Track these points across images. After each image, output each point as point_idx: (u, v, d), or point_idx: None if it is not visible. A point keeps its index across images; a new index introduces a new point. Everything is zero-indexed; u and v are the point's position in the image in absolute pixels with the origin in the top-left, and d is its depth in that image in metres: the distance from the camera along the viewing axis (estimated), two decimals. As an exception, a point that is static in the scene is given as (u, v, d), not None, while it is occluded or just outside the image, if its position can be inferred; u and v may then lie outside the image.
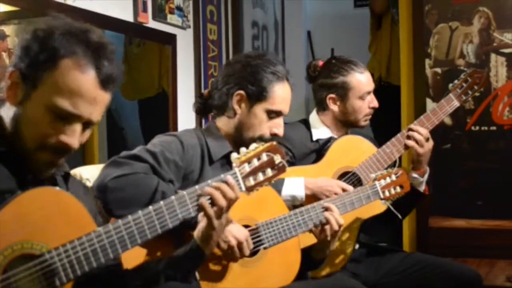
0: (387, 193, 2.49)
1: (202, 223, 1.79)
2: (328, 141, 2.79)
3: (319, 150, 2.78)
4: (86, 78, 1.52)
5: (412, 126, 2.77)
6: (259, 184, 1.83)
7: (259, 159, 1.83)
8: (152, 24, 3.59)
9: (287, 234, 2.22)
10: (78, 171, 2.25)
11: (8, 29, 3.56)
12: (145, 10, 3.47)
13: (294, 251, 2.28)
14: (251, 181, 1.81)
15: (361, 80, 2.77)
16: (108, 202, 1.94)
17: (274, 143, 1.88)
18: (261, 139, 2.23)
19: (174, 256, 1.80)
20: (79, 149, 3.52)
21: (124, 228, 1.56)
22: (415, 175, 2.74)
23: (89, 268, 1.50)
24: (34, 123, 1.51)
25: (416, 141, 2.72)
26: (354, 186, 2.59)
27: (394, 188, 2.50)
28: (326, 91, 2.81)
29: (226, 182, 1.75)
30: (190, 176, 2.17)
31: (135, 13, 3.43)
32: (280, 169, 1.85)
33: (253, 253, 2.16)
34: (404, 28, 3.93)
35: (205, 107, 2.39)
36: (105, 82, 1.55)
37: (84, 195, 1.76)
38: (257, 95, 2.23)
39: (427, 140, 2.73)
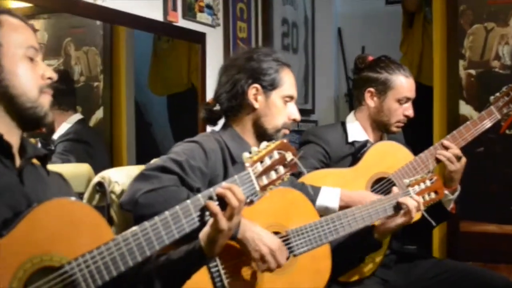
0: (421, 200, 2.43)
1: (208, 225, 1.72)
2: (365, 145, 2.77)
3: (355, 154, 2.76)
4: None
5: (444, 142, 2.72)
6: (272, 182, 1.80)
7: (271, 157, 1.80)
8: (182, 23, 3.57)
9: (317, 241, 2.19)
10: (107, 174, 2.24)
11: (37, 23, 3.58)
12: (175, 9, 3.45)
13: (324, 258, 2.25)
14: (265, 180, 1.79)
15: (404, 83, 2.76)
16: (139, 217, 1.90)
17: (285, 140, 1.86)
18: (285, 127, 2.27)
19: (174, 255, 1.75)
20: (107, 145, 3.58)
21: (142, 234, 1.55)
22: (445, 191, 2.67)
23: (110, 277, 1.49)
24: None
25: (448, 158, 2.67)
26: (389, 193, 2.56)
27: (429, 194, 2.45)
28: (367, 84, 2.81)
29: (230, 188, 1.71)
30: (215, 181, 2.13)
31: (165, 12, 3.41)
32: (292, 167, 1.83)
33: (283, 260, 2.13)
34: (438, 28, 3.87)
35: (212, 116, 2.36)
36: None
37: (63, 181, 1.77)
38: (271, 83, 2.26)
39: (459, 159, 2.68)
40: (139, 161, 3.56)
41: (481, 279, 2.66)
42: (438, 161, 2.71)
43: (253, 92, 2.25)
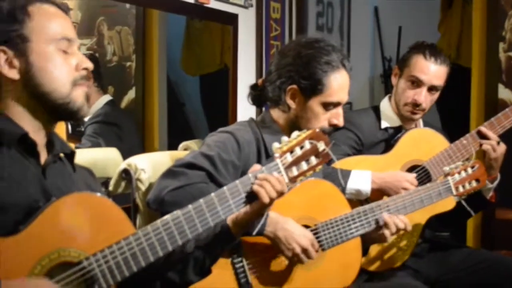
0: (461, 189, 2.35)
1: (244, 208, 1.68)
2: (399, 131, 2.70)
3: (389, 140, 2.71)
4: None
5: (482, 129, 2.62)
6: (303, 173, 1.72)
7: (302, 147, 1.72)
8: (213, 4, 3.51)
9: (348, 235, 2.13)
10: (133, 161, 2.22)
11: (71, 3, 3.57)
12: (206, -10, 3.40)
13: (354, 250, 2.20)
14: (294, 172, 1.71)
15: (420, 62, 2.65)
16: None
17: (317, 129, 1.77)
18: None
19: (201, 239, 1.71)
20: (138, 125, 3.56)
21: (164, 229, 1.52)
22: None
23: (129, 272, 1.47)
24: None
25: (491, 146, 2.58)
26: (423, 181, 2.52)
27: (470, 183, 2.35)
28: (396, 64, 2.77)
29: (267, 179, 1.66)
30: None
31: (197, -6, 3.36)
32: (325, 157, 1.75)
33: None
34: (478, 8, 3.76)
35: (259, 98, 2.28)
36: None
37: (91, 177, 1.74)
38: (312, 88, 2.11)
39: (498, 143, 2.59)
40: (170, 142, 3.56)
41: (516, 270, 2.58)
42: (480, 145, 2.61)
43: (291, 93, 2.13)
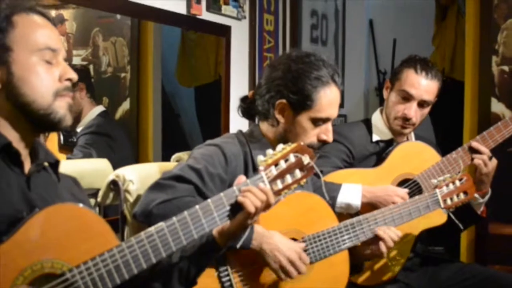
0: (448, 202, 2.34)
1: (227, 221, 1.67)
2: (390, 144, 2.69)
3: (380, 153, 2.70)
4: None
5: (473, 143, 2.61)
6: (288, 186, 1.72)
7: (286, 160, 1.73)
8: (206, 16, 3.50)
9: (335, 248, 2.12)
10: (121, 172, 2.21)
11: (66, 13, 3.57)
12: (198, 1, 3.39)
13: (342, 264, 2.18)
14: (279, 185, 1.71)
15: (411, 77, 2.64)
16: None
17: (302, 143, 1.77)
18: (310, 147, 2.11)
19: (187, 250, 1.70)
20: (132, 137, 3.55)
21: (148, 241, 1.51)
22: (475, 195, 2.56)
23: (113, 285, 1.45)
24: None
25: (482, 161, 2.57)
26: (414, 195, 2.50)
27: (458, 196, 2.34)
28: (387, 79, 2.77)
29: (250, 190, 1.66)
30: None
31: (188, 5, 3.35)
32: (309, 170, 1.75)
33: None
34: (471, 21, 3.76)
35: (249, 111, 2.26)
36: None
37: (76, 186, 1.72)
38: (301, 104, 2.09)
39: (490, 158, 2.58)
40: (165, 153, 3.55)
41: (509, 286, 2.56)
42: (471, 159, 2.61)
43: (280, 107, 2.11)
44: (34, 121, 1.52)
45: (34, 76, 1.50)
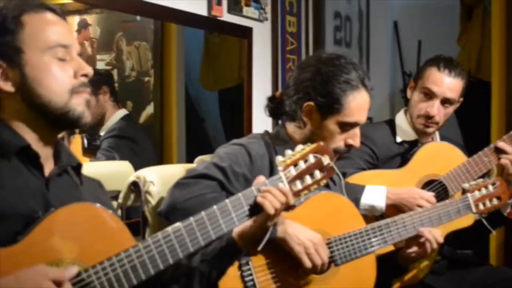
0: (481, 207, 2.28)
1: (250, 221, 1.66)
2: (415, 144, 2.65)
3: (404, 154, 2.66)
4: None
5: (499, 143, 2.57)
6: (307, 187, 1.70)
7: (306, 161, 1.70)
8: (227, 17, 3.48)
9: (362, 251, 2.07)
10: (142, 174, 2.20)
11: (90, 18, 3.59)
12: (219, 3, 3.38)
13: (369, 267, 2.13)
14: (298, 185, 1.69)
15: (434, 74, 2.62)
16: None
17: (322, 143, 1.74)
18: (336, 151, 2.08)
19: (208, 253, 1.68)
20: (156, 141, 3.56)
21: (164, 241, 1.48)
22: None
23: (129, 285, 1.43)
24: None
25: (510, 161, 2.52)
26: (440, 196, 2.47)
27: (490, 201, 2.29)
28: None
29: (269, 191, 1.64)
30: None
31: (209, 7, 3.33)
32: (329, 171, 1.72)
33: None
34: (497, 20, 3.72)
35: (276, 111, 2.22)
36: None
37: (99, 188, 1.71)
38: (329, 107, 2.05)
39: None
40: (189, 158, 3.54)
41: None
42: (495, 162, 2.56)
43: (307, 110, 2.07)
44: (52, 121, 1.51)
45: (48, 76, 1.47)
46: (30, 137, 1.50)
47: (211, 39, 4.01)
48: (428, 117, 2.61)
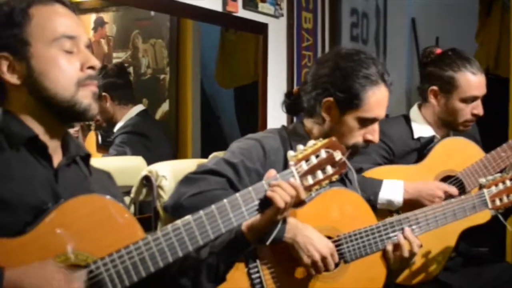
0: (497, 202, 2.23)
1: (256, 215, 1.63)
2: (431, 140, 2.64)
3: (421, 149, 2.63)
4: None
5: None
6: (318, 182, 1.68)
7: (317, 156, 1.68)
8: (242, 13, 3.48)
9: (372, 248, 2.04)
10: (154, 168, 2.19)
11: (106, 16, 3.61)
12: (235, -1, 3.38)
13: (379, 264, 2.10)
14: (310, 180, 1.67)
15: (471, 81, 2.57)
16: None
17: (334, 138, 1.72)
18: (354, 147, 2.06)
19: (216, 246, 1.66)
20: (172, 138, 3.57)
21: (174, 234, 1.47)
22: None
23: (138, 277, 1.42)
24: None
25: None
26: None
27: (508, 196, 2.23)
28: (430, 82, 2.66)
29: (280, 185, 1.62)
30: None
31: (224, 2, 3.33)
32: (341, 166, 1.70)
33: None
34: (516, 16, 3.65)
35: (294, 107, 2.20)
36: None
37: (109, 180, 1.70)
38: (348, 103, 2.02)
39: None
40: (204, 155, 3.54)
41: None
42: None
43: (326, 105, 2.05)
44: (59, 113, 1.50)
45: (54, 69, 1.46)
46: (38, 129, 1.49)
47: (227, 36, 4.01)
48: (476, 117, 2.61)
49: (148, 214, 2.25)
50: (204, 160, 2.44)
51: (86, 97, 1.49)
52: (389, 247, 2.05)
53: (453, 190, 2.40)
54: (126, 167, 2.69)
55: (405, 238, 2.05)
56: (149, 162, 2.83)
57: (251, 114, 3.95)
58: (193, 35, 3.63)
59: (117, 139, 3.24)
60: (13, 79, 1.46)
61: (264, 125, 3.63)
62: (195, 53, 3.68)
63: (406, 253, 2.04)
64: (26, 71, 1.46)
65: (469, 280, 2.59)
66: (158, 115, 3.71)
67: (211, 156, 2.60)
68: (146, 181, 2.19)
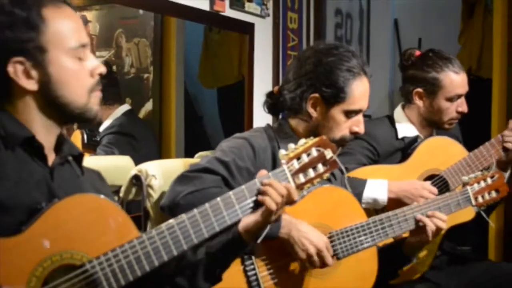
0: (480, 199, 2.28)
1: (253, 216, 1.64)
2: (415, 140, 2.67)
3: (405, 149, 2.66)
4: None
5: (506, 133, 2.59)
6: (310, 181, 1.69)
7: (308, 154, 1.70)
8: (229, 12, 3.48)
9: (363, 244, 2.06)
10: (144, 167, 2.18)
11: (89, 14, 3.58)
12: (222, -2, 3.38)
13: (370, 260, 2.13)
14: (301, 178, 1.68)
15: (454, 80, 2.61)
16: None
17: (324, 137, 1.74)
18: (342, 140, 2.10)
19: (212, 246, 1.67)
20: (155, 139, 3.54)
21: (168, 233, 1.47)
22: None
23: (134, 277, 1.42)
24: None
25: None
26: (441, 191, 2.47)
27: (489, 193, 2.29)
28: (414, 84, 2.68)
29: (271, 185, 1.62)
30: None
31: (212, 1, 3.33)
32: (332, 164, 1.72)
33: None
34: (499, 18, 3.72)
35: (276, 106, 2.22)
36: None
37: (100, 180, 1.70)
38: (334, 97, 2.06)
39: None
40: (187, 155, 3.53)
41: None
42: (505, 149, 2.59)
43: (312, 102, 2.08)
44: (66, 117, 1.52)
45: (71, 77, 1.47)
46: (36, 129, 1.49)
47: (210, 36, 4.00)
48: (461, 114, 2.66)
49: (136, 214, 2.25)
50: (192, 160, 2.44)
51: (95, 104, 1.52)
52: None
53: (434, 190, 2.42)
54: (114, 167, 2.68)
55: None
56: (136, 162, 2.83)
57: (235, 114, 3.95)
58: (177, 34, 3.62)
59: (104, 139, 3.23)
60: (29, 85, 1.45)
61: (250, 125, 3.64)
62: (179, 53, 3.67)
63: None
64: (43, 78, 1.45)
65: (454, 278, 2.62)
66: (142, 114, 3.70)
67: (197, 155, 2.60)
68: (136, 180, 2.18)
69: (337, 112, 2.08)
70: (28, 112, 1.48)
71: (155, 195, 2.14)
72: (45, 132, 1.50)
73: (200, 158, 2.54)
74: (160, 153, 3.58)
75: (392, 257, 2.19)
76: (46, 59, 1.45)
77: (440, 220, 2.12)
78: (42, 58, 1.44)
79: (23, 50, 1.43)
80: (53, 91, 1.46)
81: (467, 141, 2.82)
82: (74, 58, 1.47)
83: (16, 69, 1.43)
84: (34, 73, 1.45)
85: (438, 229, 2.12)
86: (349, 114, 2.09)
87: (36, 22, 1.44)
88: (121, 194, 2.24)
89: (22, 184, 1.41)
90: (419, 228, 2.13)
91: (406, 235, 2.18)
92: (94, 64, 1.51)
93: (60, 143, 1.56)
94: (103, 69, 1.52)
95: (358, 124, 2.11)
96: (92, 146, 3.25)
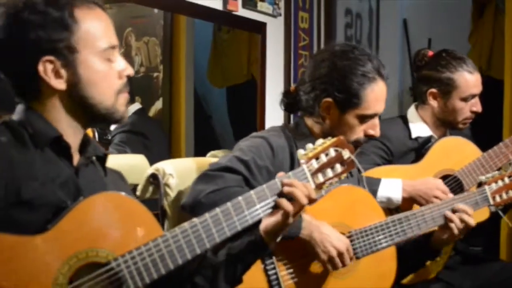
0: (498, 199, 2.28)
1: (273, 217, 1.64)
2: (429, 140, 2.66)
3: (419, 149, 2.66)
4: None
5: None
6: (328, 180, 1.71)
7: (327, 154, 1.72)
8: (242, 12, 3.49)
9: (382, 243, 2.06)
10: (161, 166, 2.19)
11: (99, 14, 3.57)
12: (235, -3, 3.39)
13: (389, 260, 2.13)
14: (320, 178, 1.70)
15: (468, 80, 2.61)
16: None
17: (342, 137, 1.75)
18: (356, 142, 2.09)
19: (234, 247, 1.67)
20: (166, 138, 3.54)
21: (192, 231, 1.48)
22: None
23: (158, 275, 1.43)
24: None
25: None
26: (455, 191, 2.47)
27: (507, 193, 2.28)
28: (428, 84, 2.68)
29: (292, 185, 1.62)
30: None
31: (225, 1, 3.35)
32: (349, 165, 1.73)
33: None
34: (510, 18, 3.69)
35: (292, 105, 2.22)
36: None
37: (121, 180, 1.71)
38: (347, 102, 2.04)
39: None
40: (197, 153, 3.54)
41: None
42: (510, 157, 2.58)
43: (326, 105, 2.07)
44: (95, 119, 1.53)
45: (101, 79, 1.48)
46: (65, 129, 1.50)
47: (220, 35, 4.00)
48: (475, 114, 2.66)
49: (154, 212, 2.25)
50: (210, 159, 2.44)
51: (122, 105, 1.53)
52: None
53: (446, 189, 2.42)
54: (128, 166, 2.68)
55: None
56: (148, 160, 2.83)
57: (244, 113, 3.96)
58: (187, 33, 3.62)
59: (116, 138, 3.23)
60: (59, 84, 1.46)
61: (262, 124, 3.64)
62: (189, 51, 3.68)
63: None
64: (72, 78, 1.46)
65: (468, 278, 2.62)
66: (151, 113, 3.70)
67: (209, 154, 2.61)
68: (153, 179, 2.18)
69: (351, 117, 2.07)
70: (56, 112, 1.49)
71: (172, 194, 2.15)
72: (71, 132, 1.51)
73: (212, 157, 2.55)
74: (170, 152, 3.58)
75: (420, 250, 2.20)
76: (76, 59, 1.45)
77: (467, 215, 2.13)
78: (72, 58, 1.45)
79: (54, 50, 1.43)
80: (81, 91, 1.47)
81: (478, 141, 2.82)
82: (103, 59, 1.48)
83: (46, 68, 1.44)
84: (63, 72, 1.45)
85: (467, 226, 2.13)
86: (363, 118, 2.07)
87: (68, 22, 1.44)
88: (138, 193, 2.24)
89: (49, 184, 1.42)
90: (447, 224, 2.14)
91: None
92: (123, 65, 1.51)
93: (85, 144, 1.57)
94: (131, 71, 1.53)
95: (373, 128, 2.10)
96: (103, 145, 3.23)
